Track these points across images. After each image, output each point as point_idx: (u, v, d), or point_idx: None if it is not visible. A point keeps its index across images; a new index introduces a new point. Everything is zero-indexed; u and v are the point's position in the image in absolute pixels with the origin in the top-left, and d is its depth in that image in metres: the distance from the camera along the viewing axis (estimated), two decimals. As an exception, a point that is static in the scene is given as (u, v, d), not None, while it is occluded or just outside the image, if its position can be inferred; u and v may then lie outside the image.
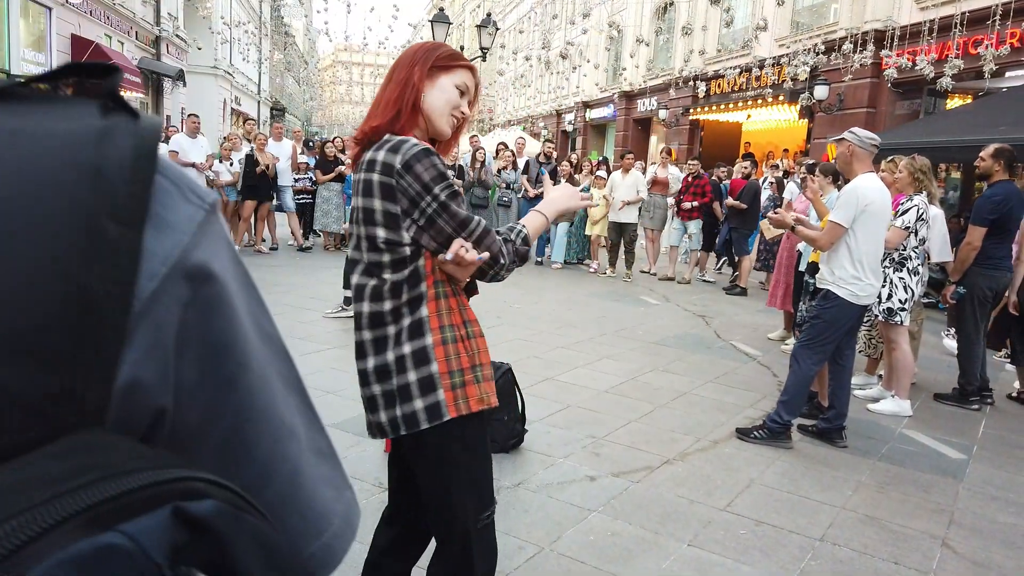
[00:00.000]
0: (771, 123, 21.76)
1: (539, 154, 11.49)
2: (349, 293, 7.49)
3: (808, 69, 14.94)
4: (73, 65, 0.45)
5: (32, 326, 0.38)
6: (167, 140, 10.14)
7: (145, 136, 0.43)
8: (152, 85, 23.22)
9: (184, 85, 25.01)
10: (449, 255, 1.73)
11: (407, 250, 1.73)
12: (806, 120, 18.30)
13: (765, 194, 10.16)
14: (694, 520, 3.38)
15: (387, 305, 1.75)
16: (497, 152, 11.60)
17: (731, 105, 20.76)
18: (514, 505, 3.39)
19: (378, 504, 3.31)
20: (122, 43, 20.36)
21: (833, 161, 5.14)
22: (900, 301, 5.14)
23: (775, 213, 4.72)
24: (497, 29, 15.83)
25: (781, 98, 18.13)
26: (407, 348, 1.74)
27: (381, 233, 1.73)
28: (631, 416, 4.73)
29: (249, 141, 11.07)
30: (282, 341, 0.54)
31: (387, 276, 1.75)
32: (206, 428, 0.47)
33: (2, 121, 0.40)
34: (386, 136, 1.77)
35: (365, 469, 3.66)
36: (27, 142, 0.40)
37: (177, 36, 25.08)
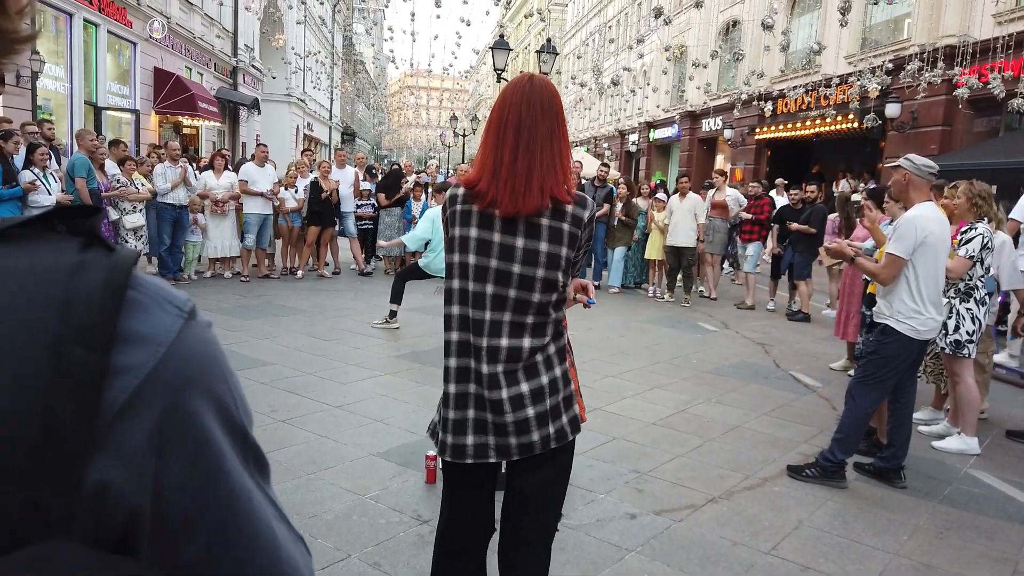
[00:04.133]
0: (842, 142, 21.18)
1: (594, 177, 11.46)
2: (395, 307, 7.65)
3: (878, 87, 14.51)
4: (63, 208, 0.50)
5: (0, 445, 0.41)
6: (236, 170, 10.58)
7: (116, 267, 0.47)
8: (229, 114, 24.27)
9: (259, 113, 26.07)
10: (591, 299, 2.04)
11: (564, 289, 1.96)
12: (878, 139, 17.74)
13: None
14: (736, 564, 3.28)
15: (547, 338, 1.95)
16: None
17: (798, 124, 20.30)
18: (550, 542, 3.36)
19: (415, 537, 3.33)
20: (201, 74, 21.38)
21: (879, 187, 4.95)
22: (968, 333, 4.90)
23: (833, 243, 4.59)
24: (556, 55, 15.93)
25: (851, 117, 17.65)
26: (558, 371, 1.97)
27: (560, 277, 1.91)
28: (678, 451, 4.64)
29: (310, 170, 11.44)
30: (243, 423, 0.57)
31: (552, 312, 1.95)
32: (197, 517, 0.50)
33: None
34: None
35: (405, 502, 3.69)
36: (8, 279, 0.45)
37: (253, 66, 26.17)
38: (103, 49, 15.57)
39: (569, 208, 1.89)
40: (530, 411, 1.91)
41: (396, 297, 7.70)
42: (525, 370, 1.91)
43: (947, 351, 4.97)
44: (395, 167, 12.41)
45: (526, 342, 1.91)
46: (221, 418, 0.53)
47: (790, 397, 6.05)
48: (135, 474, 0.46)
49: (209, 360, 0.52)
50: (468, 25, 16.05)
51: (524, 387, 1.91)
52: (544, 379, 1.94)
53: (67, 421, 0.43)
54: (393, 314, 7.77)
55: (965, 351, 4.91)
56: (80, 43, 14.53)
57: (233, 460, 0.53)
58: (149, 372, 0.47)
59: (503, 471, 2.15)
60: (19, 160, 7.88)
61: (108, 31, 15.63)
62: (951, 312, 4.91)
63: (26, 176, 7.57)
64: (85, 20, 14.65)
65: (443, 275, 7.81)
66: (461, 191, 1.94)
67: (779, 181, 12.67)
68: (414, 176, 12.45)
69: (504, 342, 1.90)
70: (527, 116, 1.87)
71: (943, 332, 4.90)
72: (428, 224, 7.32)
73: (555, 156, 1.88)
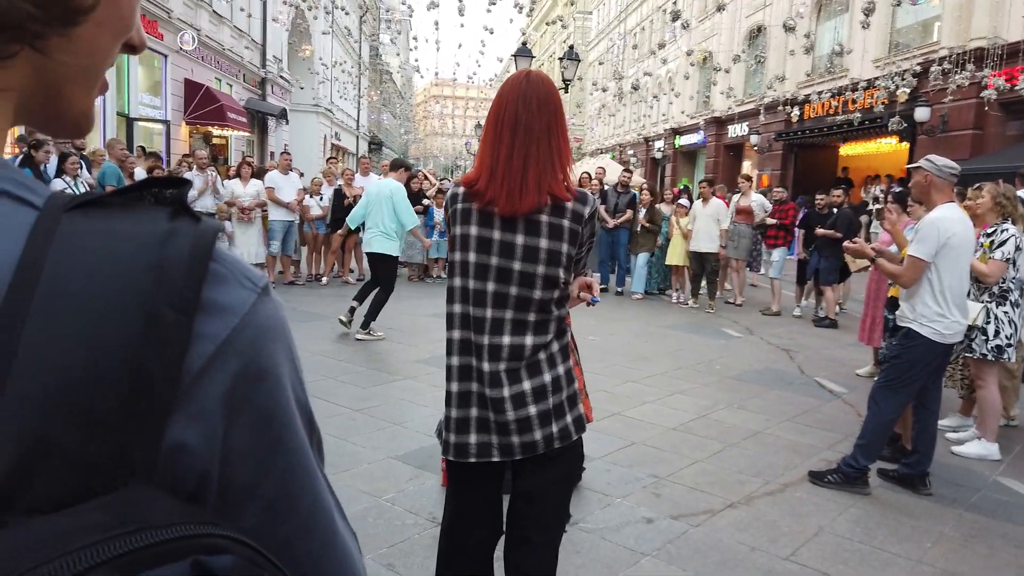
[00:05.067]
0: (871, 147, 20.91)
1: (617, 183, 11.41)
2: (356, 302, 7.55)
3: (907, 91, 14.30)
4: (151, 179, 0.53)
5: (95, 396, 0.44)
6: (262, 177, 10.71)
7: (202, 237, 0.50)
8: (258, 124, 24.61)
9: (287, 123, 26.39)
10: (595, 296, 2.03)
11: (566, 287, 1.96)
12: (907, 143, 17.48)
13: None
14: (753, 569, 3.23)
15: (550, 336, 1.95)
16: (581, 182, 11.63)
17: (825, 129, 20.07)
18: (565, 546, 3.31)
19: (430, 539, 3.34)
20: (231, 85, 21.72)
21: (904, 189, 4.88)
22: (1007, 337, 4.80)
23: (853, 242, 4.52)
24: (578, 62, 15.93)
25: (879, 121, 17.41)
26: (561, 369, 1.96)
27: (562, 274, 1.90)
28: (698, 455, 4.59)
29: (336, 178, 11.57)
30: (309, 405, 0.59)
31: (554, 310, 1.94)
32: (255, 486, 0.53)
33: (94, 223, 0.48)
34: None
35: (421, 504, 3.70)
36: (109, 242, 0.48)
37: (281, 77, 26.52)
38: (134, 61, 15.88)
39: (569, 204, 1.88)
40: (532, 409, 1.90)
41: (361, 297, 7.65)
42: (527, 368, 1.90)
43: (989, 357, 4.84)
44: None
45: (528, 340, 1.90)
46: (289, 392, 0.55)
47: (814, 403, 5.96)
48: (207, 438, 0.49)
49: (279, 335, 0.54)
50: (492, 33, 16.12)
51: (526, 385, 1.90)
52: (547, 377, 1.92)
53: (154, 377, 0.46)
54: (352, 313, 7.60)
55: (1006, 355, 4.81)
56: (112, 56, 14.82)
57: (300, 435, 0.55)
58: (224, 340, 0.49)
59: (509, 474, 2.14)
60: (51, 169, 8.07)
61: (139, 44, 15.93)
62: (989, 317, 4.81)
63: (57, 184, 7.74)
64: (117, 33, 14.94)
65: (370, 248, 7.98)
66: (461, 190, 1.94)
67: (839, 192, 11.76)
68: (437, 183, 12.52)
69: (506, 340, 1.89)
70: (523, 113, 1.86)
71: (984, 338, 4.80)
72: (363, 199, 7.97)
73: (552, 153, 1.88)
